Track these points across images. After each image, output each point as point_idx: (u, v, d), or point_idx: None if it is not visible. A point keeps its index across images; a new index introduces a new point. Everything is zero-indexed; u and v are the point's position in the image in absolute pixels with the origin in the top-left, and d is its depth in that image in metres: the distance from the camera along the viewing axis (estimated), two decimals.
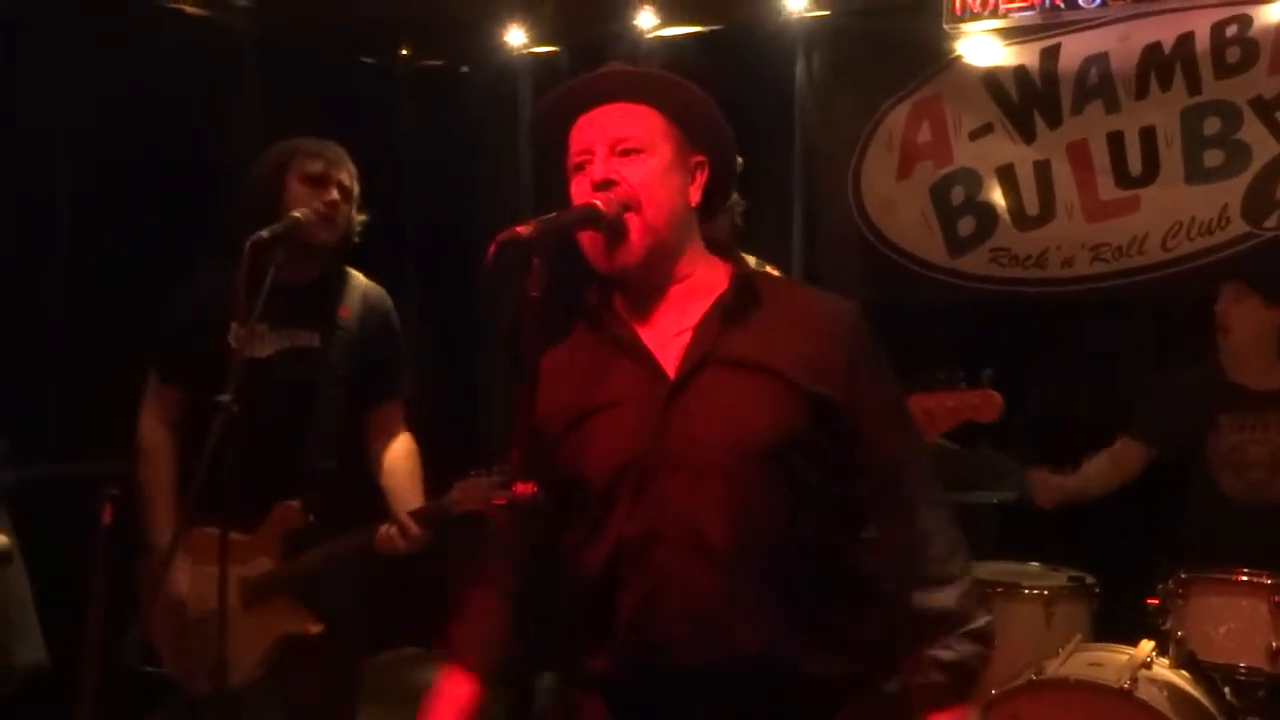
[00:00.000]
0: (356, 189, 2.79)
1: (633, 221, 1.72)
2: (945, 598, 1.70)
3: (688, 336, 1.74)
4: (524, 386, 1.60)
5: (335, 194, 2.71)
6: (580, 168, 1.75)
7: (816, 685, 1.67)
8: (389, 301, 2.91)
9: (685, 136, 1.79)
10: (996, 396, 2.93)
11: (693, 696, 1.68)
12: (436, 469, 2.93)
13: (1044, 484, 3.60)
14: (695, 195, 1.79)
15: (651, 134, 1.76)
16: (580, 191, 1.74)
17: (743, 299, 1.76)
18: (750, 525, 1.66)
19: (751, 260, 3.16)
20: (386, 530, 2.71)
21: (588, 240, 1.74)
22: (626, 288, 1.80)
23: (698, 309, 1.76)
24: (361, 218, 2.82)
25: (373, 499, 2.87)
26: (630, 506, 1.68)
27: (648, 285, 1.78)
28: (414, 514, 2.73)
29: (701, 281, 1.79)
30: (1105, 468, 3.62)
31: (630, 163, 1.73)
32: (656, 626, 1.67)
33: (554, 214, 1.66)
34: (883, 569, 1.74)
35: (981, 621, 1.72)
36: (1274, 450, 3.35)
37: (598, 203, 1.70)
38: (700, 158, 1.80)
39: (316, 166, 2.70)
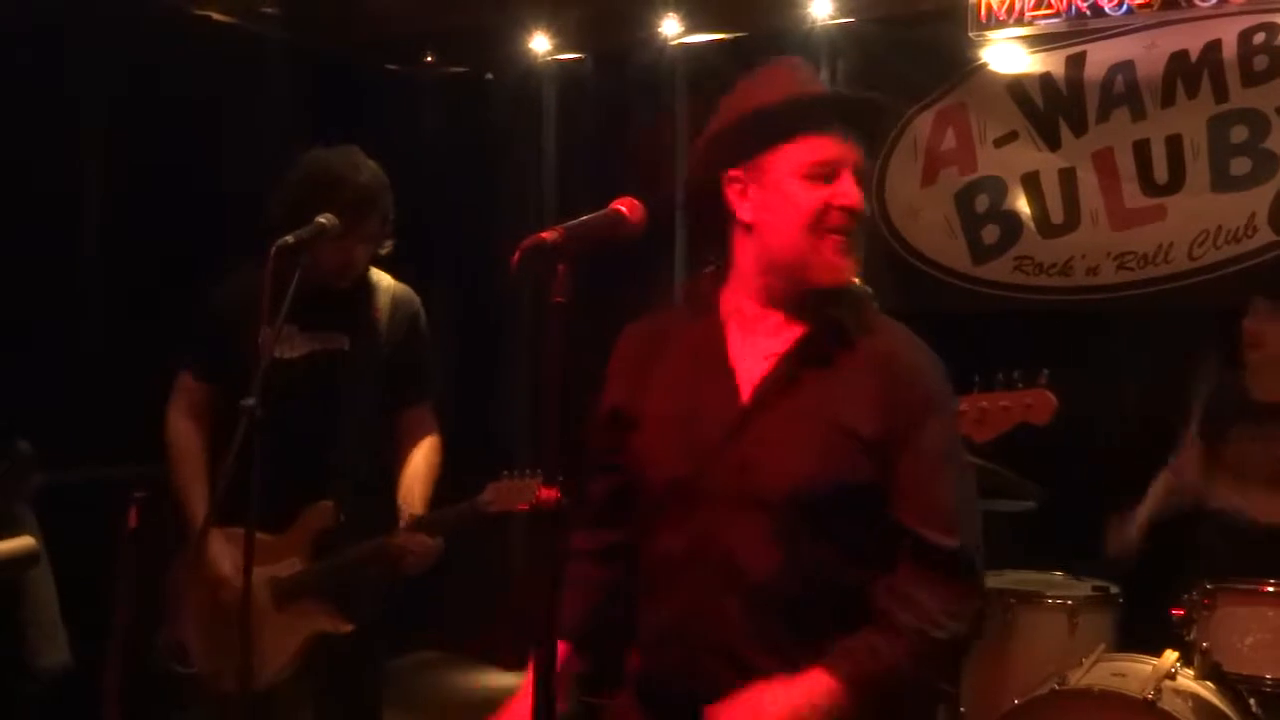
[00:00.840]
0: (390, 214, 2.78)
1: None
2: (952, 541, 1.69)
3: (771, 364, 1.75)
4: (553, 388, 1.60)
5: (359, 249, 2.71)
6: (826, 177, 1.75)
7: None
8: (418, 302, 2.93)
9: None
10: (1050, 397, 2.90)
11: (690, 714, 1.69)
12: (460, 471, 2.94)
13: (1118, 535, 3.50)
14: None
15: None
16: (815, 199, 1.74)
17: (828, 338, 1.75)
18: (786, 565, 1.67)
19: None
20: (396, 544, 2.72)
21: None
22: (756, 292, 1.79)
23: (794, 334, 1.76)
24: (389, 242, 2.83)
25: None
26: (677, 522, 1.70)
27: (780, 297, 1.79)
28: (420, 521, 2.74)
29: (808, 307, 1.79)
30: (1187, 458, 3.52)
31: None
32: (684, 647, 1.69)
33: (579, 220, 1.66)
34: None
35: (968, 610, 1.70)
36: (1276, 463, 3.30)
37: (622, 209, 1.70)
38: None
39: (374, 227, 2.71)
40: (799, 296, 1.78)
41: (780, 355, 1.75)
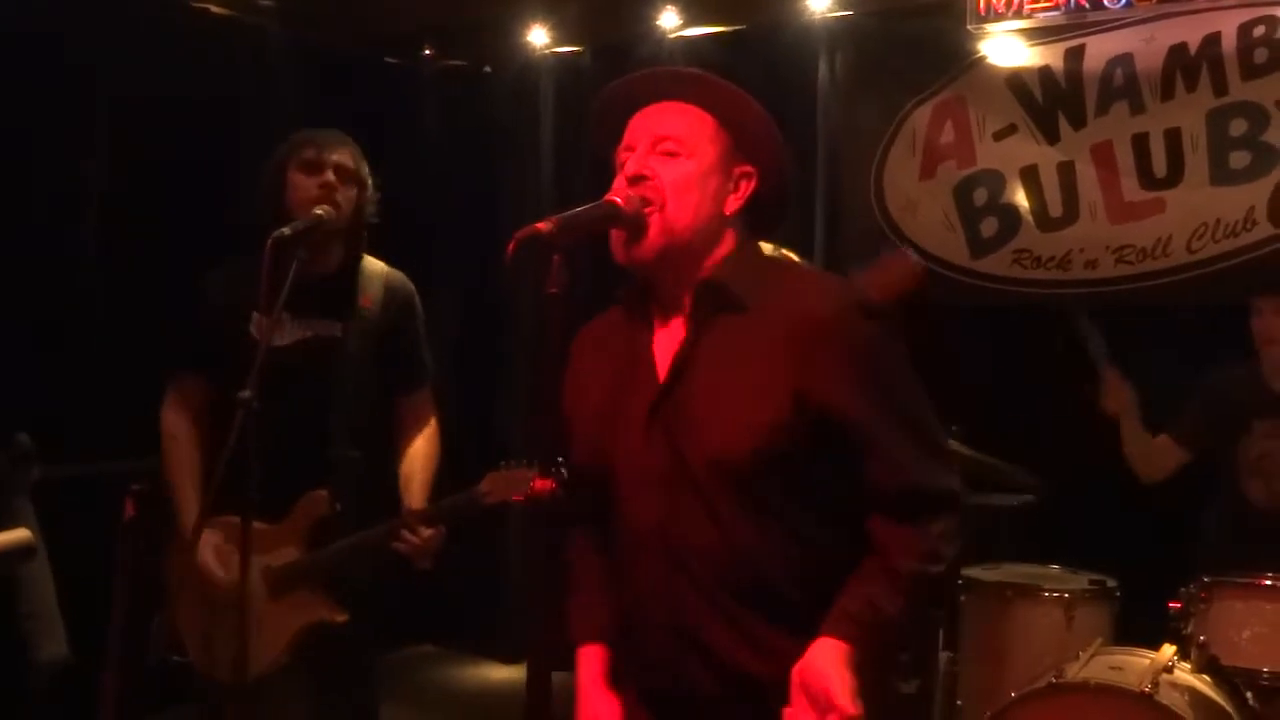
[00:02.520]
0: (363, 168, 2.81)
1: (653, 218, 1.72)
2: (922, 484, 1.70)
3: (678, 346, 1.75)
4: (548, 378, 1.61)
5: (330, 175, 2.73)
6: (624, 163, 1.76)
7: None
8: (411, 287, 2.92)
9: (735, 145, 1.78)
10: (910, 257, 2.96)
11: (679, 704, 1.71)
12: (459, 463, 2.94)
13: (1117, 386, 3.56)
14: (733, 204, 1.78)
15: (697, 137, 1.76)
16: (617, 185, 1.75)
17: (712, 303, 1.73)
18: (723, 540, 1.67)
19: (769, 247, 3.16)
20: (401, 536, 2.71)
21: (613, 233, 1.75)
22: (651, 284, 1.81)
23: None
24: (375, 196, 2.84)
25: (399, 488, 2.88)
26: (623, 511, 1.72)
27: (668, 284, 1.79)
28: (423, 513, 2.74)
29: None
30: (1149, 452, 3.58)
31: (667, 162, 1.74)
32: (642, 633, 1.71)
33: (573, 211, 1.66)
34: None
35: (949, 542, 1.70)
36: None
37: (618, 200, 1.71)
38: (748, 168, 1.79)
39: (310, 153, 2.74)
40: (670, 281, 1.78)
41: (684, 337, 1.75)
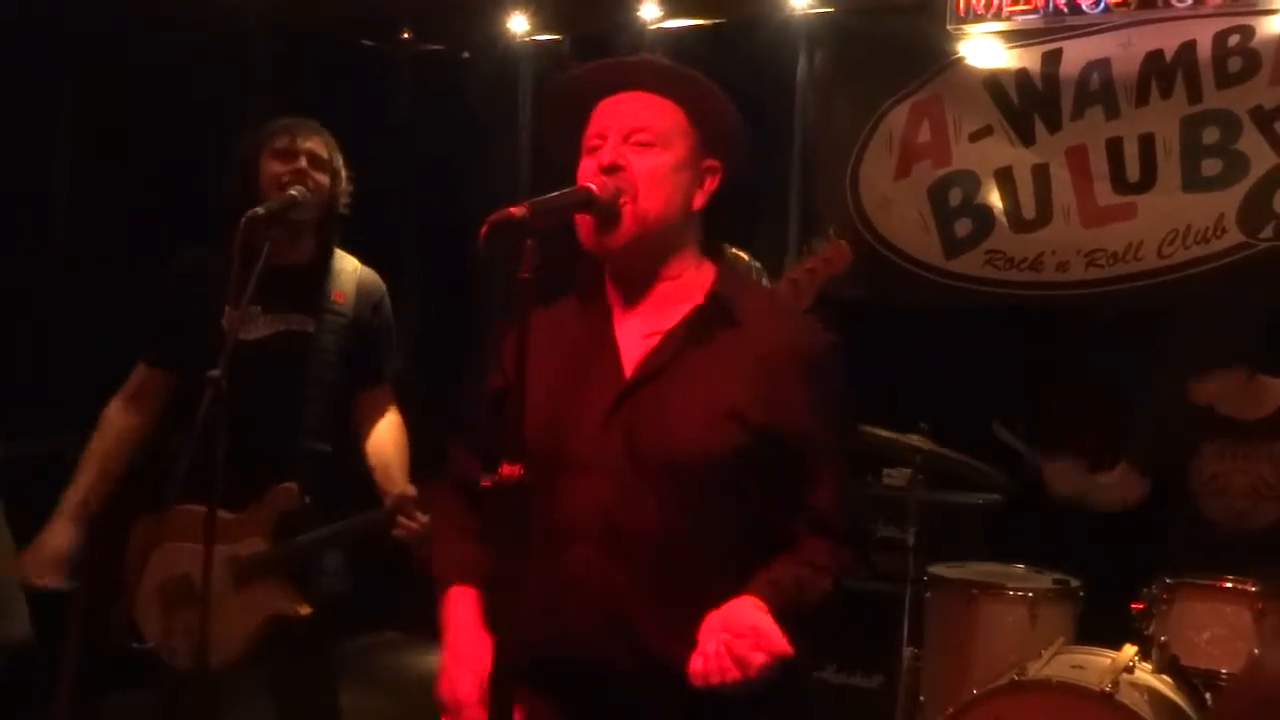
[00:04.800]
0: (336, 159, 2.79)
1: (626, 208, 1.72)
2: (843, 520, 1.76)
3: (655, 341, 1.76)
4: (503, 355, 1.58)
5: (303, 162, 2.71)
6: (594, 150, 1.76)
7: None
8: (382, 286, 2.91)
9: (703, 139, 1.79)
10: (843, 245, 2.99)
11: (599, 689, 1.71)
12: (432, 452, 2.92)
13: (1062, 474, 3.56)
14: (700, 199, 1.79)
15: (669, 130, 1.76)
16: (586, 173, 1.75)
17: (713, 318, 1.76)
18: (669, 535, 1.68)
19: (737, 254, 3.18)
20: (404, 522, 2.67)
21: (581, 220, 1.74)
22: (616, 274, 1.81)
23: (677, 313, 1.77)
24: (347, 188, 2.82)
25: (367, 481, 2.87)
26: (563, 496, 1.70)
27: (633, 275, 1.80)
28: (411, 500, 2.69)
29: (689, 285, 1.79)
30: (1112, 487, 3.61)
31: (641, 153, 1.74)
32: (569, 617, 1.69)
33: (547, 195, 1.66)
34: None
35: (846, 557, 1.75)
36: (1255, 480, 3.32)
37: (592, 186, 1.70)
38: (714, 163, 1.80)
39: (283, 140, 2.72)
40: (636, 273, 1.79)
41: (664, 333, 1.76)
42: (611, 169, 1.73)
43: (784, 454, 1.73)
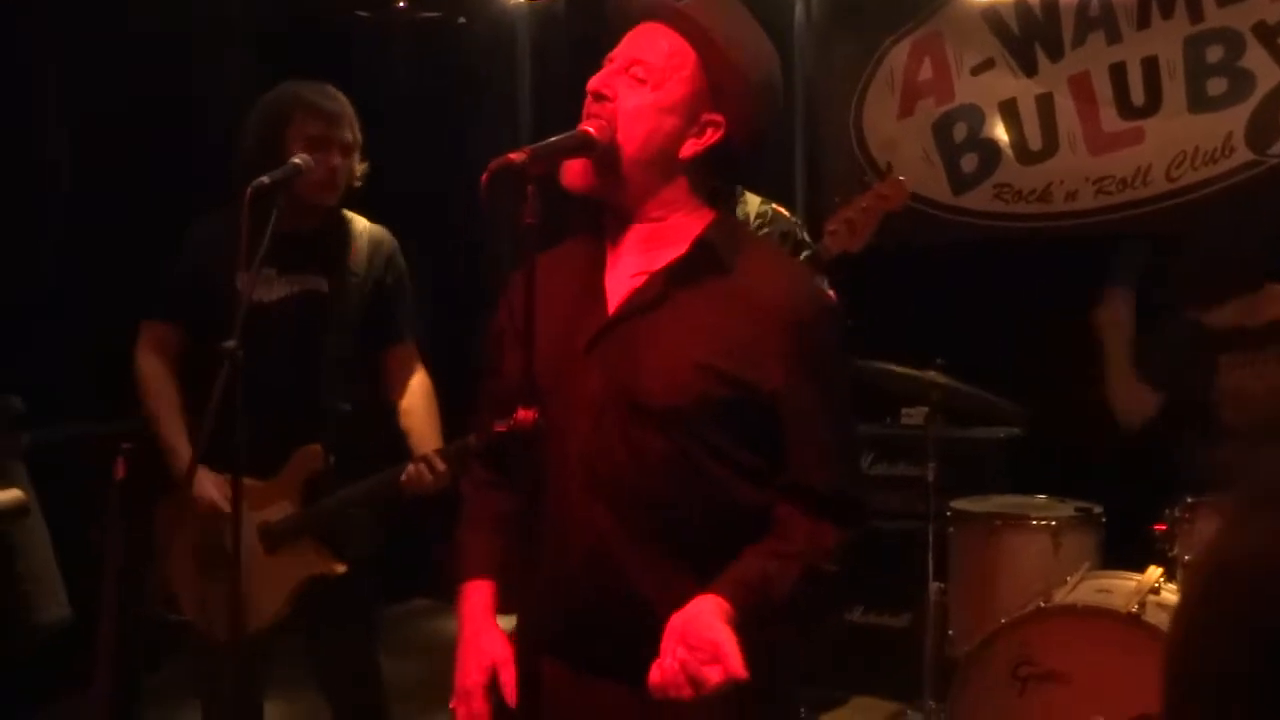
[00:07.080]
0: (359, 139, 2.78)
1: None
2: (831, 488, 1.70)
3: (640, 281, 1.73)
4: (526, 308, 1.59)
5: (337, 158, 2.69)
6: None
7: None
8: (394, 241, 2.92)
9: (710, 90, 1.72)
10: (902, 182, 2.97)
11: (587, 632, 1.70)
12: (448, 412, 2.94)
13: (1118, 305, 3.46)
14: (690, 149, 1.72)
15: (670, 70, 1.70)
16: (587, 105, 1.73)
17: (701, 263, 1.72)
18: (640, 474, 1.66)
19: (756, 200, 3.15)
20: (414, 468, 2.70)
21: (567, 164, 1.72)
22: (606, 213, 1.79)
23: (666, 255, 1.74)
24: (363, 167, 2.82)
25: (389, 440, 2.89)
26: (554, 435, 1.67)
27: (618, 212, 1.77)
28: (439, 452, 2.73)
29: (675, 228, 1.74)
30: (1131, 389, 3.53)
31: (633, 87, 1.70)
32: (564, 559, 1.69)
33: (546, 141, 1.65)
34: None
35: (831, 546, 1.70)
36: (1272, 383, 3.32)
37: (590, 129, 1.69)
38: (717, 118, 1.72)
39: (318, 128, 2.67)
40: (615, 209, 1.77)
41: (650, 273, 1.73)
42: (598, 96, 1.71)
43: (761, 412, 1.67)
